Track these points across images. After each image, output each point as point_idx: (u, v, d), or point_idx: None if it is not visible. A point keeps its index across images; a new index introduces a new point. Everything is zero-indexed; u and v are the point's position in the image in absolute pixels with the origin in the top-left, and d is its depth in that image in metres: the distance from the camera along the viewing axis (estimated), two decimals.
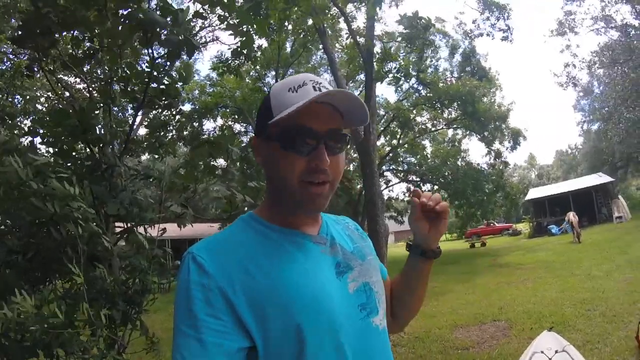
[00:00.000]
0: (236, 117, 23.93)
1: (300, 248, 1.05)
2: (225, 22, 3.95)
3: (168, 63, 3.75)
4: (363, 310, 1.06)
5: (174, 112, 4.25)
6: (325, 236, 1.13)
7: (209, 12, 3.89)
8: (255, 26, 4.23)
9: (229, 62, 10.53)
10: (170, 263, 3.78)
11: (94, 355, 2.43)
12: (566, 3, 25.46)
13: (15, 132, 4.37)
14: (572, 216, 20.64)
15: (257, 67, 19.56)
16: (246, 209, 3.67)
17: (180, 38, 3.33)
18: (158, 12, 3.34)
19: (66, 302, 2.48)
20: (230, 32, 4.10)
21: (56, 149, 3.19)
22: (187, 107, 21.59)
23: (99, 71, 4.60)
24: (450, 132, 28.64)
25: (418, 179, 27.17)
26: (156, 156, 4.13)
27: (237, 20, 4.10)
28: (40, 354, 2.42)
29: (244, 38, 4.15)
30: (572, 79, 27.86)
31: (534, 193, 35.66)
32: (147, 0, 3.57)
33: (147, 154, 4.47)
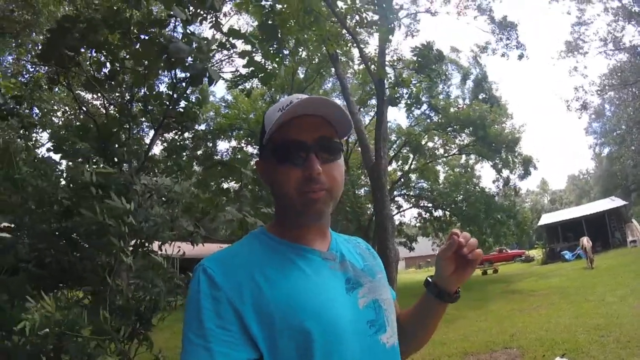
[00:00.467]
0: (249, 139, 24.11)
1: (309, 263, 1.07)
2: (247, 59, 4.06)
3: (184, 84, 3.86)
4: (372, 326, 1.06)
5: (190, 135, 4.34)
6: (334, 252, 1.14)
7: (232, 43, 4.02)
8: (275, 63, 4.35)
9: (240, 80, 10.69)
10: (179, 282, 3.84)
11: None
12: (574, 25, 25.42)
13: (30, 143, 4.48)
14: (585, 241, 20.34)
15: (271, 90, 19.81)
16: None
17: (204, 66, 3.44)
18: (184, 40, 3.45)
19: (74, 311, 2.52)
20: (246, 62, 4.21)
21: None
22: (201, 127, 21.82)
23: (116, 90, 4.72)
24: (463, 157, 28.57)
25: (430, 204, 27.03)
26: (173, 177, 4.20)
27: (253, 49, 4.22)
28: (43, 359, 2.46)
29: (263, 74, 4.25)
30: (583, 104, 27.66)
31: (546, 218, 35.34)
32: (173, 27, 3.70)
33: (164, 175, 4.54)
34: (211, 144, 23.16)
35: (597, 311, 9.46)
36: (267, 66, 4.55)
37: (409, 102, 11.48)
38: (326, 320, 0.96)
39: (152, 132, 4.39)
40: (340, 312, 1.01)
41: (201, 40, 3.50)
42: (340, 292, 1.05)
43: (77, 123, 4.19)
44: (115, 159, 3.59)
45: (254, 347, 0.92)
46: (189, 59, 3.44)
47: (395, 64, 13.35)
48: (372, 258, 1.28)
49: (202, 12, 3.84)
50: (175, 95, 3.83)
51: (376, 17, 10.96)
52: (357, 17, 12.38)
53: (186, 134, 4.48)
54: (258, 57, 4.46)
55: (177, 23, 3.64)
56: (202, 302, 0.93)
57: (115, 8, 3.72)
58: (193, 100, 4.06)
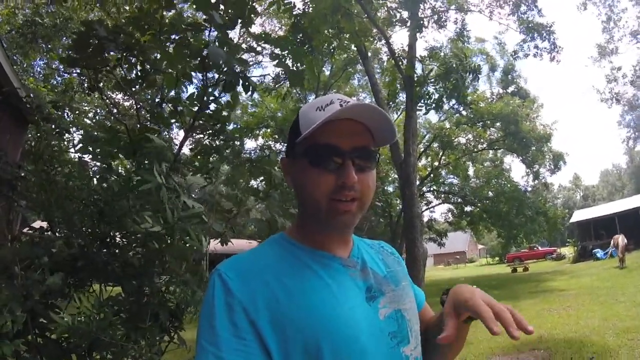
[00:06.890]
0: (277, 137, 24.25)
1: (329, 270, 1.02)
2: (277, 61, 4.08)
3: (216, 89, 3.92)
4: (394, 338, 1.01)
5: (221, 138, 4.34)
6: (355, 259, 1.10)
7: (261, 47, 4.01)
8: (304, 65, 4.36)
9: (276, 87, 10.79)
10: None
11: None
12: (605, 26, 24.49)
13: (64, 144, 4.58)
14: (620, 239, 19.71)
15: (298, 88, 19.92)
16: None
17: (241, 73, 3.47)
18: (216, 43, 3.50)
19: (109, 310, 2.62)
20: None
21: (105, 165, 3.33)
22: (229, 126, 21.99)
23: (148, 91, 4.79)
24: (490, 152, 28.15)
25: (460, 200, 26.76)
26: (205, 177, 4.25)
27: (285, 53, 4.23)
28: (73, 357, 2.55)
29: (292, 76, 4.26)
30: (616, 95, 26.58)
31: (578, 215, 34.66)
32: (208, 32, 3.73)
33: (192, 175, 4.58)
34: (239, 142, 23.33)
35: (627, 313, 9.27)
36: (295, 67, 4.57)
37: (429, 103, 11.20)
38: (341, 331, 0.92)
39: (182, 133, 4.46)
40: (359, 324, 0.96)
41: (234, 46, 3.50)
42: (360, 302, 1.01)
43: (109, 124, 4.27)
44: (146, 161, 3.67)
45: (267, 358, 0.89)
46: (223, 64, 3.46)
47: (425, 60, 13.19)
48: (397, 264, 1.22)
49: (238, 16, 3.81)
50: (205, 98, 3.86)
51: (405, 14, 10.92)
52: (386, 13, 12.38)
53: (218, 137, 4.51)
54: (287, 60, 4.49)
55: (212, 29, 3.65)
56: (216, 309, 0.91)
57: (143, 9, 3.76)
58: (223, 103, 4.08)
